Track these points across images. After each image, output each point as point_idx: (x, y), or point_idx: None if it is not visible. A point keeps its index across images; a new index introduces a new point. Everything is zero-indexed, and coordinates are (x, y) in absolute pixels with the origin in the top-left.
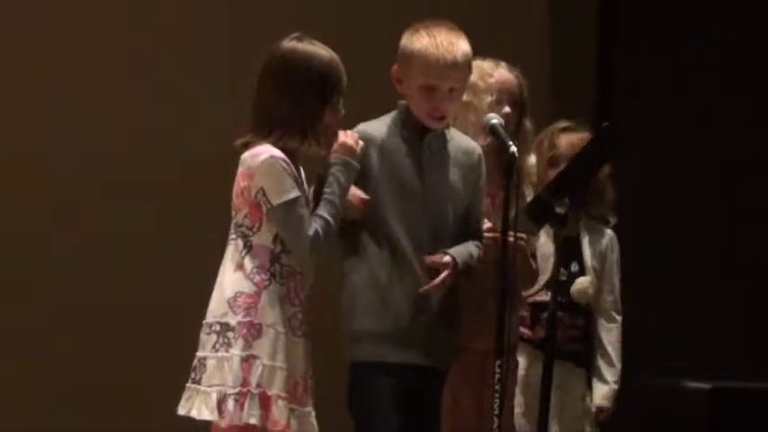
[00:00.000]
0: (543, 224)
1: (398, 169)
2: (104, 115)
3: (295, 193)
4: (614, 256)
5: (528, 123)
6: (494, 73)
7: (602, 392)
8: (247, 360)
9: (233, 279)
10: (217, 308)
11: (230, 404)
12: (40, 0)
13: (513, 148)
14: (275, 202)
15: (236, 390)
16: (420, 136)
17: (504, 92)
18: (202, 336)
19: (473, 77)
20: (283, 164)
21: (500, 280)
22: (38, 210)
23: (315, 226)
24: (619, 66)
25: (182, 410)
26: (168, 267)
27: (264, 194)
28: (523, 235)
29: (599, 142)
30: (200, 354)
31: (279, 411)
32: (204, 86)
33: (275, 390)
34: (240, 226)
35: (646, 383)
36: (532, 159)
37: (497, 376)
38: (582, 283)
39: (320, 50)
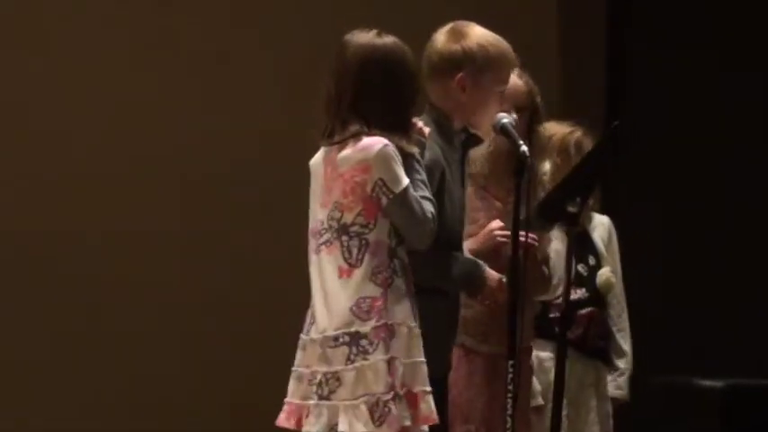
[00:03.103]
0: (555, 223)
1: (452, 190)
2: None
3: (408, 179)
4: (614, 241)
5: (541, 130)
6: None
7: (614, 383)
8: (390, 363)
9: (348, 285)
10: (336, 319)
11: (393, 409)
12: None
13: (524, 148)
14: (397, 189)
15: (391, 395)
16: (462, 148)
17: (509, 97)
18: (327, 351)
19: None
20: (395, 150)
21: (511, 278)
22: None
23: (429, 208)
24: (628, 63)
25: (313, 429)
26: (192, 265)
27: (385, 185)
28: (535, 236)
29: (609, 141)
30: (326, 369)
31: (427, 407)
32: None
33: (419, 386)
34: (352, 225)
35: (659, 382)
36: (546, 166)
37: (510, 376)
38: (605, 273)
39: (405, 46)
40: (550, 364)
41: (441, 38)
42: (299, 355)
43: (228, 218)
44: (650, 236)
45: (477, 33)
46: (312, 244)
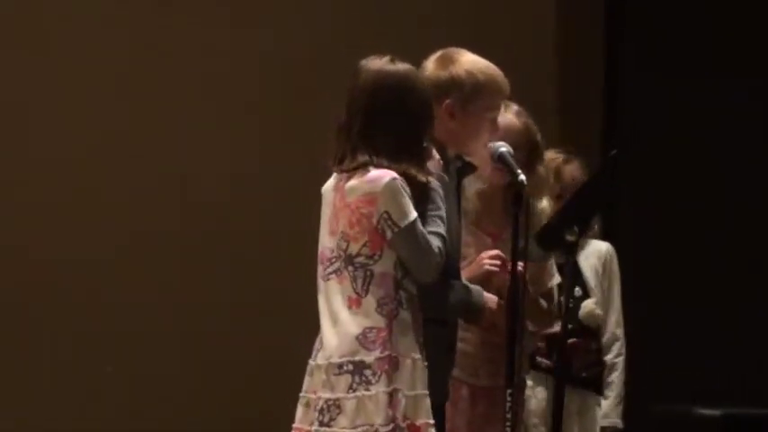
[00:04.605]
0: (553, 252)
1: (449, 218)
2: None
3: (415, 213)
4: (614, 269)
5: (541, 168)
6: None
7: (602, 410)
8: (392, 395)
9: (356, 314)
10: (343, 346)
11: None
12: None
13: (522, 177)
14: (402, 223)
15: (390, 426)
16: (457, 176)
17: (505, 138)
18: (331, 378)
19: None
20: (403, 184)
21: (509, 307)
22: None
23: (436, 243)
24: (625, 92)
25: None
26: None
27: (390, 218)
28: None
29: (607, 170)
30: (328, 395)
31: None
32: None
33: (422, 418)
34: (357, 256)
35: (658, 410)
36: (544, 203)
37: (508, 405)
38: (589, 305)
39: (419, 73)
40: (529, 393)
41: (430, 65)
42: (306, 380)
43: (228, 218)
44: (645, 259)
45: (467, 60)
46: (320, 270)
